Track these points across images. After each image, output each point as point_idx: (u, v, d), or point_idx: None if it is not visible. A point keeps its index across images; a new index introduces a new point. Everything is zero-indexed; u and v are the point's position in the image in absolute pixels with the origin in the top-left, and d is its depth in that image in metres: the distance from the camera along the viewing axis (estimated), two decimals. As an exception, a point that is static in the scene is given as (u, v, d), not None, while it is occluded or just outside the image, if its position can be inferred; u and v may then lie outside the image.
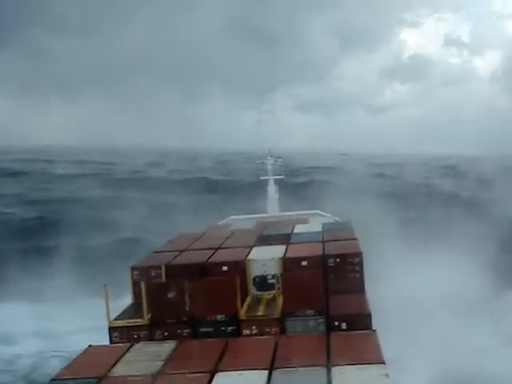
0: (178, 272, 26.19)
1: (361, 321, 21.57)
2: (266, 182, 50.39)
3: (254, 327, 22.39)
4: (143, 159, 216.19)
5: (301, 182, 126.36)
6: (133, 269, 26.97)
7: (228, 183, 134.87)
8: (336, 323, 21.82)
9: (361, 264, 25.62)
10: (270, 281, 25.84)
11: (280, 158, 52.71)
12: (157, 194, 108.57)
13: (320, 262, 25.98)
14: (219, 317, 22.72)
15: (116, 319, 23.42)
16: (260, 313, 23.38)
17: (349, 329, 21.37)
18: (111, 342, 22.68)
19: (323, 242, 29.09)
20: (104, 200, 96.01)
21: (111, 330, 22.89)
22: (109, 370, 18.30)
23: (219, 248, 30.11)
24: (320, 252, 27.25)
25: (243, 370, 17.38)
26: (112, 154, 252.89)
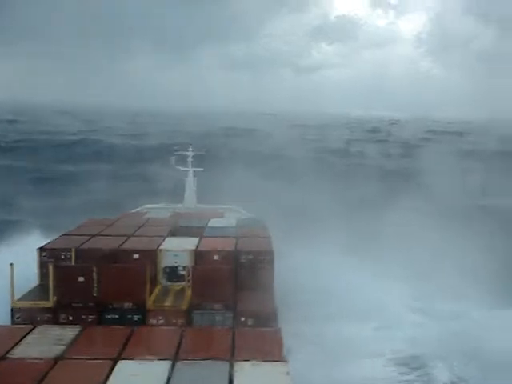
0: (87, 256, 25.91)
1: (267, 318, 21.95)
2: (184, 174, 50.17)
3: (160, 317, 22.44)
4: (52, 119, 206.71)
5: (216, 144, 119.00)
6: (41, 250, 26.42)
7: (129, 148, 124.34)
8: (242, 319, 22.13)
9: (272, 262, 26.04)
10: (181, 272, 25.90)
11: (204, 149, 52.40)
12: (41, 161, 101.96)
13: (232, 258, 26.27)
14: (126, 305, 22.65)
15: (20, 300, 22.91)
16: (168, 303, 23.44)
17: (255, 325, 21.71)
18: (13, 322, 22.16)
19: (237, 238, 29.36)
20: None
21: (14, 310, 22.37)
22: (8, 352, 17.91)
23: (131, 236, 29.88)
24: (233, 248, 27.53)
25: (146, 359, 17.40)
26: (21, 112, 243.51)
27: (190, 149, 49.72)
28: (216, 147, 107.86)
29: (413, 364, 29.59)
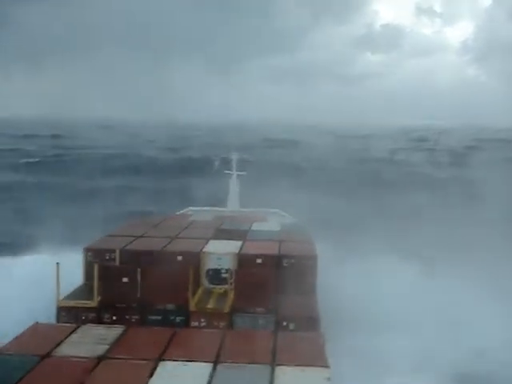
0: (132, 257, 26.18)
1: (309, 323, 21.76)
2: (228, 176, 50.30)
3: (202, 319, 22.50)
4: (93, 133, 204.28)
5: (258, 154, 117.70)
6: (87, 249, 26.78)
7: (168, 161, 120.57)
8: (284, 323, 21.98)
9: (315, 267, 25.86)
10: (224, 275, 25.92)
11: (248, 156, 51.98)
12: (76, 176, 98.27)
13: (275, 262, 26.20)
14: (169, 306, 22.79)
15: (65, 299, 23.23)
16: (210, 306, 23.48)
17: (297, 329, 21.55)
18: (58, 321, 22.49)
19: (280, 242, 29.26)
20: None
21: (59, 309, 22.71)
22: (53, 349, 18.15)
23: (175, 237, 30.07)
24: (276, 251, 27.45)
25: (188, 361, 17.42)
26: (64, 127, 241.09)
27: (234, 152, 49.80)
28: (258, 158, 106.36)
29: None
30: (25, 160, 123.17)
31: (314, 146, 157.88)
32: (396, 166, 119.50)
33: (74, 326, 20.65)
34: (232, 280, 24.66)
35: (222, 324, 22.28)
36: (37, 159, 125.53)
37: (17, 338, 19.22)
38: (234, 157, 49.46)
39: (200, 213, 43.16)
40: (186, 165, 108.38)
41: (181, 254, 26.72)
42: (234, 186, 49.26)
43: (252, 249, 27.91)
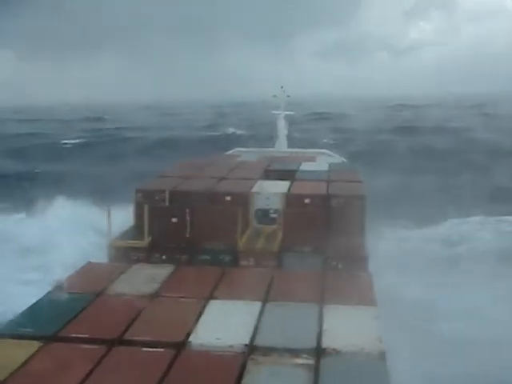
0: (181, 198, 26.38)
1: (357, 263, 21.69)
2: (276, 117, 49.89)
3: (251, 259, 22.59)
4: (132, 115, 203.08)
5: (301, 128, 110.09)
6: (137, 191, 27.12)
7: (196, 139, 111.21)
8: (333, 263, 21.97)
9: (364, 207, 25.66)
10: (272, 215, 25.95)
11: (289, 95, 50.78)
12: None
13: (323, 201, 26.06)
14: (218, 246, 22.94)
15: (116, 239, 23.67)
16: (259, 245, 23.60)
17: (345, 269, 21.53)
18: (110, 260, 22.96)
19: (328, 182, 29.10)
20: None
21: (111, 249, 23.16)
22: (106, 288, 18.58)
23: (224, 178, 30.17)
24: (324, 191, 27.30)
25: (237, 299, 17.61)
26: (109, 110, 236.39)
27: (283, 90, 49.14)
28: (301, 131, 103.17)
29: None
30: (62, 142, 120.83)
31: (362, 118, 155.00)
32: (452, 133, 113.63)
33: (126, 265, 21.08)
34: (281, 220, 24.68)
35: (270, 263, 22.34)
36: (72, 141, 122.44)
37: (71, 276, 19.74)
38: (282, 96, 48.89)
39: (248, 153, 43.13)
40: (216, 141, 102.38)
41: (229, 194, 26.79)
42: (281, 126, 48.94)
43: (300, 189, 27.82)
